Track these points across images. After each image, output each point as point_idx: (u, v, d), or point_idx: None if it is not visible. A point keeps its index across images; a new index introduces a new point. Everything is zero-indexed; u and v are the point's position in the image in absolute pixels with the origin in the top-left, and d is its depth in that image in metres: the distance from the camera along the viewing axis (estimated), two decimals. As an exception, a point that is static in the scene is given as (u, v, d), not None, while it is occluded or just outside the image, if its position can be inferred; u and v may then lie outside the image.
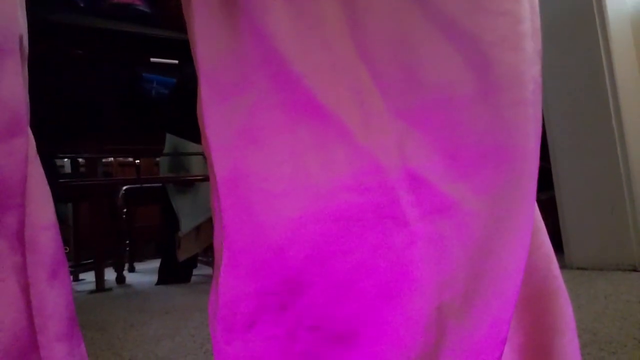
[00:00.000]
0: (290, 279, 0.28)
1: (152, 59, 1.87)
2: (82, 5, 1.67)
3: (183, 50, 1.86)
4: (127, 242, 2.46)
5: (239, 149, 0.29)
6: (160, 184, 2.00)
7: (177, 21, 1.78)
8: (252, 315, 0.28)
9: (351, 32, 0.28)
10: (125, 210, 2.32)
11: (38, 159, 0.40)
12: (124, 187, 2.23)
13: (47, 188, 0.39)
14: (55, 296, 0.36)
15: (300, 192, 0.27)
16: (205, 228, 1.84)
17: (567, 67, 1.42)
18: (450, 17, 0.29)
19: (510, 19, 0.30)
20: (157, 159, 2.24)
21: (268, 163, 0.28)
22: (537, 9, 0.34)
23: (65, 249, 0.42)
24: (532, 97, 0.32)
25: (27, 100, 0.37)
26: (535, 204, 0.37)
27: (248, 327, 0.28)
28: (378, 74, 0.28)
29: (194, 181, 1.83)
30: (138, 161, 2.03)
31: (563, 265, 1.37)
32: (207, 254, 2.07)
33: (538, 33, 0.33)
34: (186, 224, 1.78)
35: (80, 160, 2.07)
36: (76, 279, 2.19)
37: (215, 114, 0.30)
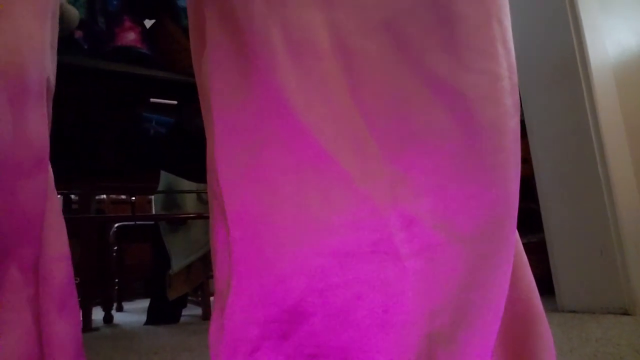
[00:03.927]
0: (292, 308, 0.30)
1: (151, 99, 1.92)
2: (85, 47, 1.72)
3: (182, 91, 1.92)
4: (116, 280, 2.42)
5: (248, 187, 0.32)
6: (153, 222, 1.99)
7: (177, 63, 1.84)
8: (255, 342, 0.30)
9: (350, 89, 0.32)
10: (116, 248, 2.30)
11: (56, 193, 0.42)
12: (116, 225, 2.23)
13: (62, 220, 0.41)
14: (63, 327, 0.37)
15: (302, 228, 0.30)
16: (197, 267, 1.83)
17: (553, 115, 1.47)
18: (438, 75, 0.32)
19: (490, 77, 0.34)
20: (151, 197, 2.25)
21: (274, 201, 0.31)
22: (514, 67, 0.38)
23: (76, 280, 0.43)
24: (513, 145, 0.35)
25: (48, 137, 0.39)
26: (519, 240, 0.40)
27: (251, 353, 0.30)
28: (374, 125, 0.32)
29: (187, 219, 1.84)
30: (134, 198, 2.04)
31: (554, 309, 1.37)
32: (197, 294, 2.04)
33: (516, 89, 0.37)
34: (177, 263, 1.77)
35: (72, 197, 2.07)
36: (62, 318, 2.14)
37: (227, 153, 0.33)
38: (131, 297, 3.08)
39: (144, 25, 1.90)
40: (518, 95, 0.38)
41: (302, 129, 0.31)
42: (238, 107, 0.33)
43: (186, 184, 1.82)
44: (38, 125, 0.37)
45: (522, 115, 1.56)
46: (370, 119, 0.32)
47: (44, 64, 0.38)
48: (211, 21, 0.35)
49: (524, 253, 0.42)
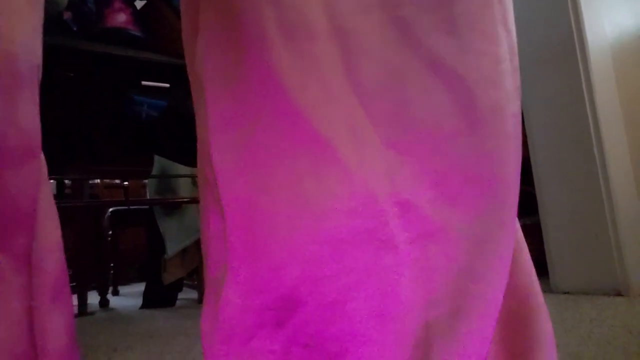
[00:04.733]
0: (286, 296, 0.29)
1: (143, 82, 1.89)
2: (74, 28, 1.68)
3: (174, 73, 1.89)
4: (112, 265, 2.42)
5: (244, 173, 0.31)
6: (147, 207, 1.98)
7: (169, 46, 1.81)
8: (250, 330, 0.29)
9: (346, 71, 0.31)
10: (110, 232, 2.29)
11: (49, 182, 0.41)
12: (110, 210, 2.21)
13: (55, 210, 0.40)
14: (56, 318, 0.37)
15: (296, 214, 0.29)
16: (191, 251, 1.83)
17: (550, 98, 1.46)
18: (437, 56, 0.31)
19: (491, 59, 0.33)
20: (145, 181, 2.23)
21: (269, 187, 0.30)
22: (515, 49, 0.37)
23: (69, 271, 0.42)
24: (513, 130, 0.35)
25: (40, 125, 0.38)
26: (518, 226, 0.39)
27: (246, 341, 0.29)
28: (370, 107, 0.31)
29: (181, 203, 1.83)
30: (127, 183, 2.02)
31: (548, 290, 1.38)
32: (193, 278, 2.04)
33: (517, 72, 0.37)
34: (172, 247, 1.76)
35: (66, 182, 2.05)
36: (58, 303, 2.14)
37: (221, 140, 0.32)
38: (127, 281, 3.09)
39: (134, 6, 1.86)
40: (519, 79, 0.38)
41: (296, 112, 0.30)
42: (232, 91, 0.32)
43: (180, 168, 1.80)
44: (30, 113, 0.36)
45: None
46: (367, 102, 0.31)
47: (35, 52, 0.37)
48: (204, 3, 0.34)
49: (524, 239, 0.41)
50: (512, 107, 0.35)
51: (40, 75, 0.39)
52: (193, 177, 1.82)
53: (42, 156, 0.39)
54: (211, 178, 0.33)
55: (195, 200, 1.74)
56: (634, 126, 1.44)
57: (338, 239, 0.29)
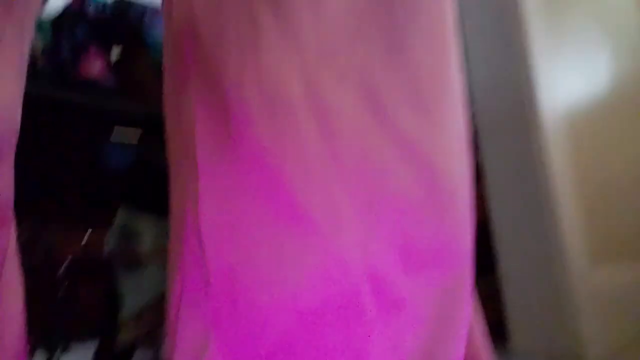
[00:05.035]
0: None
1: (114, 131, 1.88)
2: (48, 76, 1.68)
3: (146, 123, 1.89)
4: (64, 320, 2.28)
5: (229, 239, 0.32)
6: (106, 260, 1.92)
7: (144, 95, 1.82)
8: None
9: (323, 144, 0.33)
10: (66, 284, 2.18)
11: (16, 247, 0.41)
12: (68, 260, 2.12)
13: (19, 276, 0.40)
14: None
15: (274, 284, 0.30)
16: (150, 311, 1.75)
17: (508, 160, 1.52)
18: (405, 135, 0.34)
19: (454, 136, 0.36)
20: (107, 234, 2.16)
21: (251, 256, 0.31)
22: (467, 121, 0.41)
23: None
24: (470, 202, 0.38)
25: (13, 193, 0.39)
26: (473, 295, 0.41)
27: None
28: (346, 181, 0.33)
29: (143, 259, 1.77)
30: (88, 232, 1.96)
31: (509, 355, 1.38)
32: (149, 338, 1.95)
33: (470, 147, 0.40)
34: (130, 305, 1.69)
35: (21, 228, 1.97)
36: (0, 361, 1.99)
37: (210, 206, 0.33)
38: (79, 338, 2.91)
39: (110, 54, 1.88)
40: (471, 148, 0.41)
41: (277, 183, 0.33)
42: (220, 162, 0.34)
43: (145, 221, 1.77)
44: (4, 180, 0.37)
45: (478, 158, 1.61)
46: (343, 175, 0.34)
47: (15, 117, 0.39)
48: (194, 76, 0.37)
49: (478, 306, 0.44)
50: (469, 181, 0.38)
51: (16, 138, 0.40)
52: (158, 232, 1.78)
53: (13, 222, 0.40)
54: (192, 241, 0.34)
55: (158, 257, 1.69)
56: (588, 194, 1.51)
57: (313, 309, 0.30)
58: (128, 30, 1.94)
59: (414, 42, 0.36)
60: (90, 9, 1.78)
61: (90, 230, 2.03)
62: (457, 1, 0.42)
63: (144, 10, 1.95)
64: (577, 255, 1.36)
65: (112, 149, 1.78)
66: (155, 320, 1.76)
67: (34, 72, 1.64)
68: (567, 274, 1.31)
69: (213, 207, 0.34)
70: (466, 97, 0.41)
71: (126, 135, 1.83)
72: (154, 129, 1.80)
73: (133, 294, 1.71)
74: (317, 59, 0.33)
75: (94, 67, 1.77)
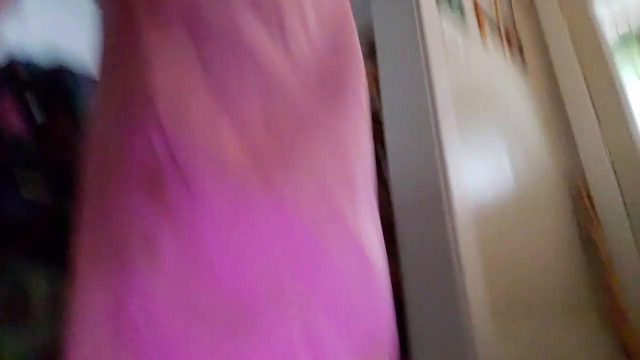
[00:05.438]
0: None
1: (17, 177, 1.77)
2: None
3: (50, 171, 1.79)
4: None
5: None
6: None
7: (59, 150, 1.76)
8: None
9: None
10: None
11: None
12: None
13: None
14: None
15: None
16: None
17: (422, 247, 1.62)
18: (346, 221, 0.37)
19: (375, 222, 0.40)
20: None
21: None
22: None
23: None
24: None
25: None
26: None
27: None
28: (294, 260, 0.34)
29: (32, 321, 1.61)
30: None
31: None
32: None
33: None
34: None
35: None
36: None
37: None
38: None
39: (33, 114, 1.83)
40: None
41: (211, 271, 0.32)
42: None
43: (38, 280, 1.62)
44: None
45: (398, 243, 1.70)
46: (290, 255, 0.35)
47: None
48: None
49: None
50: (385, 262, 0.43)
51: None
52: (51, 287, 1.64)
53: None
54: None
55: (50, 315, 1.55)
56: (492, 279, 1.63)
57: None
58: (58, 95, 1.92)
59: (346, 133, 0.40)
60: (24, 72, 1.76)
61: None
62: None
63: (79, 79, 1.95)
64: (480, 315, 1.44)
65: (11, 197, 1.68)
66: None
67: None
68: (471, 332, 1.37)
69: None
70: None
71: (29, 184, 1.74)
72: (58, 180, 1.71)
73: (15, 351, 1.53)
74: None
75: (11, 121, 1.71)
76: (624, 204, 2.53)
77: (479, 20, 2.08)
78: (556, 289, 2.06)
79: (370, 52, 1.93)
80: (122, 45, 0.38)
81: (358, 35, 0.52)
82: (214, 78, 0.36)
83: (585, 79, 2.67)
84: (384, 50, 1.81)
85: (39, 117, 1.84)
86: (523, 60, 2.45)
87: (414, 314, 1.54)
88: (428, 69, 1.68)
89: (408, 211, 1.67)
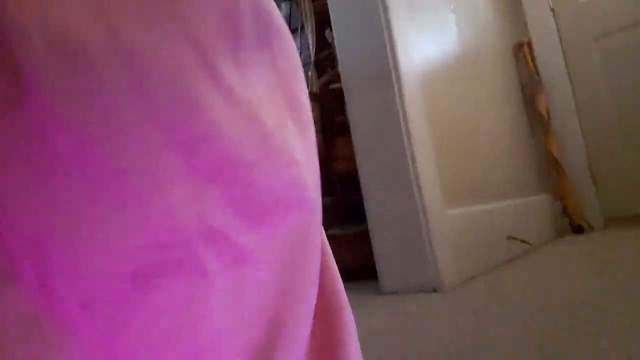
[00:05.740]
0: None
1: None
2: None
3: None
4: None
5: (29, 213, 0.26)
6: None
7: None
8: None
9: (139, 104, 0.28)
10: None
11: None
12: None
13: None
14: None
15: (93, 257, 0.26)
16: None
17: (371, 117, 1.61)
18: (233, 90, 0.32)
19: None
20: None
21: (69, 227, 0.26)
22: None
23: None
24: (308, 148, 0.38)
25: None
26: (324, 236, 0.42)
27: None
28: (169, 133, 0.29)
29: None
30: None
31: (378, 292, 1.51)
32: None
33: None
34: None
35: None
36: None
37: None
38: None
39: None
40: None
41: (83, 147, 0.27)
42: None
43: None
44: None
45: (347, 115, 1.68)
46: (166, 131, 0.29)
47: None
48: None
49: (329, 246, 0.44)
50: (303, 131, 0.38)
51: None
52: None
53: None
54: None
55: None
56: (439, 145, 1.67)
57: (143, 273, 0.27)
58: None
59: None
60: None
61: None
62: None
63: None
64: (432, 198, 1.52)
65: None
66: None
67: None
68: (425, 215, 1.46)
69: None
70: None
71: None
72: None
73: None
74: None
75: None
76: (564, 57, 2.57)
77: None
78: (499, 136, 2.17)
79: None
80: None
81: None
82: None
83: None
84: None
85: None
86: None
87: (367, 185, 1.58)
88: None
89: (356, 85, 1.61)
